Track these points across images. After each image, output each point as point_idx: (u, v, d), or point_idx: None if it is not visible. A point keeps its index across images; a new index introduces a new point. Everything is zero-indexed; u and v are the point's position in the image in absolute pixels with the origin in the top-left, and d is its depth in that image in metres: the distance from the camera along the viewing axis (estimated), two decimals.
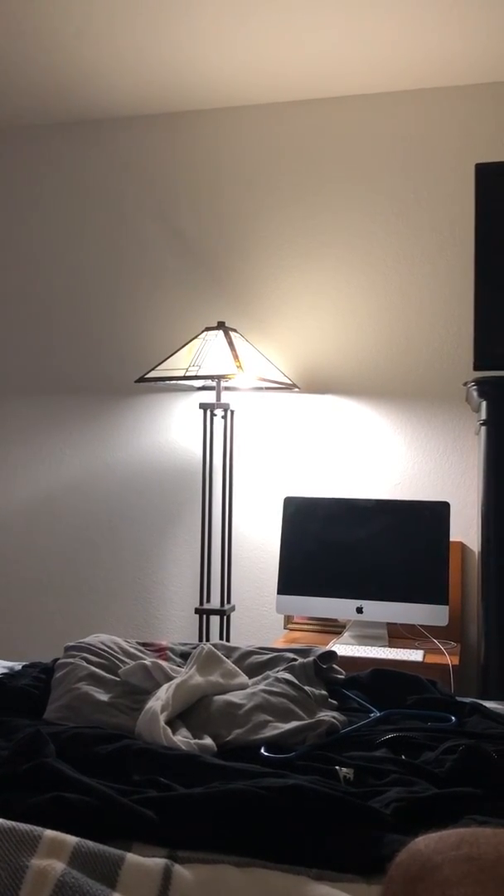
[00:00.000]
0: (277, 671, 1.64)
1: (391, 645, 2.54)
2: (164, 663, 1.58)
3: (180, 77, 2.86)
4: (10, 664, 1.91)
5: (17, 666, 1.90)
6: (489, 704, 1.67)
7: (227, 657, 1.74)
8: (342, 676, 1.75)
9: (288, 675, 1.59)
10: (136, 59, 2.73)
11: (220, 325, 2.73)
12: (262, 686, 1.56)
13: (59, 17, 2.50)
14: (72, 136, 3.26)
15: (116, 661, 1.66)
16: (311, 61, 2.72)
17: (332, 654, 1.73)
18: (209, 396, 3.06)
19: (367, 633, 2.57)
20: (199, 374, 2.58)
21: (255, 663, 1.73)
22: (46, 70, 2.83)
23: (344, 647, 2.45)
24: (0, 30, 2.57)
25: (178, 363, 2.67)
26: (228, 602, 2.77)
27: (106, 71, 2.82)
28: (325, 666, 1.70)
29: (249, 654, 1.77)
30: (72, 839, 0.96)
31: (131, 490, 3.13)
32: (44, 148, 3.29)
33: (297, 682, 1.57)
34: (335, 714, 1.50)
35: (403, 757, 1.31)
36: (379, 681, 1.72)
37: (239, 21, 2.49)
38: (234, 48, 2.65)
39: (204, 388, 2.99)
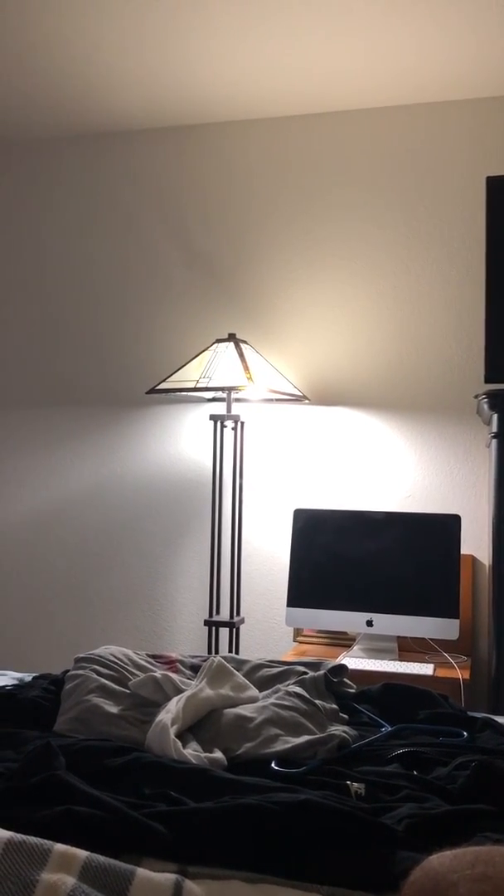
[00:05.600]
0: (288, 685, 1.63)
1: (401, 658, 2.53)
2: (174, 676, 1.58)
3: (189, 91, 2.87)
4: (19, 675, 1.91)
5: (27, 677, 1.90)
6: (501, 720, 1.66)
7: (238, 670, 1.73)
8: (353, 690, 1.74)
9: (298, 689, 1.58)
10: (146, 73, 2.75)
11: (231, 337, 2.73)
12: (272, 699, 1.55)
13: (70, 33, 2.52)
14: (82, 148, 3.28)
15: (126, 674, 1.66)
16: (320, 75, 2.74)
17: (342, 667, 1.72)
18: (220, 408, 3.06)
19: (376, 647, 2.56)
20: (210, 385, 2.58)
21: (266, 676, 1.72)
22: (57, 84, 2.85)
23: (354, 661, 2.43)
24: (13, 44, 2.60)
25: (189, 375, 2.68)
26: (238, 614, 2.77)
27: (116, 85, 2.85)
28: (335, 679, 1.69)
29: (259, 667, 1.76)
30: (82, 853, 0.96)
31: (141, 501, 3.13)
32: (54, 160, 3.31)
33: (307, 695, 1.56)
34: (346, 728, 1.49)
35: (415, 772, 1.30)
36: (390, 695, 1.71)
37: (247, 35, 2.51)
38: (243, 62, 2.67)
39: (214, 399, 2.99)
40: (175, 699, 1.47)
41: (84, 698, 1.54)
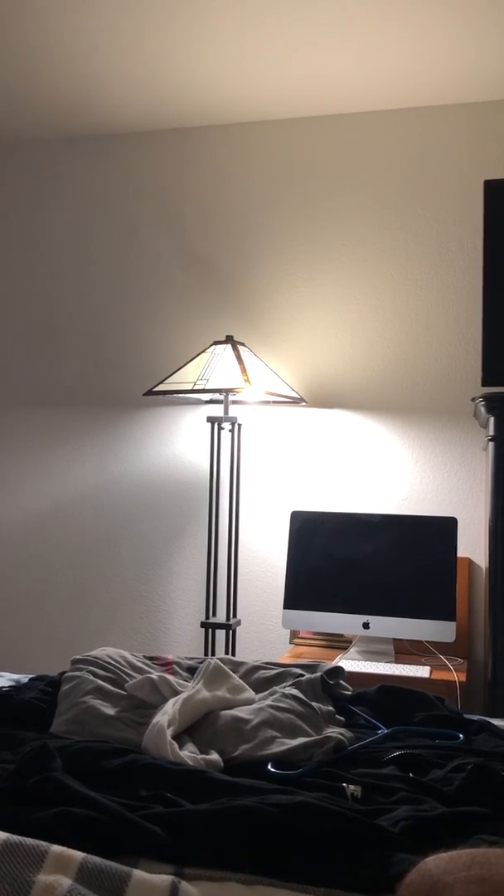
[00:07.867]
0: (284, 686, 1.63)
1: (397, 661, 2.53)
2: (170, 678, 1.58)
3: (189, 93, 2.88)
4: (16, 677, 1.91)
5: (24, 679, 1.90)
6: (496, 722, 1.66)
7: (234, 672, 1.73)
8: (349, 692, 1.74)
9: (295, 691, 1.58)
10: (146, 75, 2.76)
11: (229, 339, 2.74)
12: (268, 701, 1.55)
13: (69, 35, 2.52)
14: (82, 151, 3.28)
15: (123, 675, 1.66)
16: (319, 78, 2.74)
17: (339, 669, 1.73)
18: (217, 410, 3.06)
19: (373, 649, 2.56)
20: (207, 387, 2.59)
21: (262, 678, 1.73)
22: (57, 86, 2.85)
23: (350, 663, 2.44)
24: (13, 47, 2.60)
25: (187, 376, 2.68)
26: (234, 616, 2.77)
27: (116, 87, 2.85)
28: (332, 682, 1.69)
29: (256, 669, 1.76)
30: (78, 854, 0.96)
31: (138, 503, 3.13)
32: (54, 162, 3.31)
33: (304, 697, 1.56)
34: (342, 730, 1.49)
35: (411, 775, 1.30)
36: (386, 697, 1.71)
37: (247, 38, 2.51)
38: (243, 65, 2.67)
39: (212, 401, 3.00)
40: (171, 701, 1.48)
41: (81, 700, 1.54)
